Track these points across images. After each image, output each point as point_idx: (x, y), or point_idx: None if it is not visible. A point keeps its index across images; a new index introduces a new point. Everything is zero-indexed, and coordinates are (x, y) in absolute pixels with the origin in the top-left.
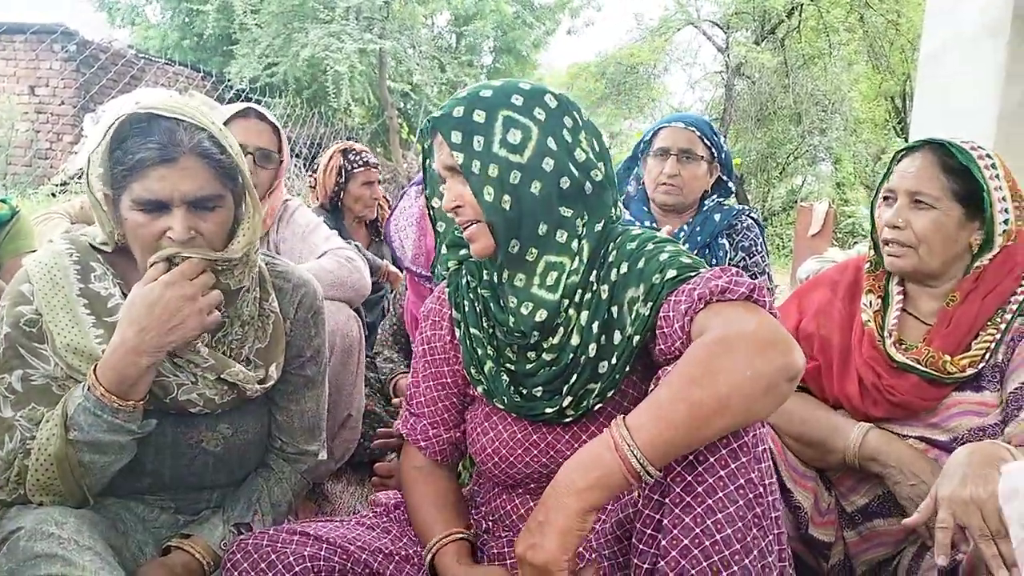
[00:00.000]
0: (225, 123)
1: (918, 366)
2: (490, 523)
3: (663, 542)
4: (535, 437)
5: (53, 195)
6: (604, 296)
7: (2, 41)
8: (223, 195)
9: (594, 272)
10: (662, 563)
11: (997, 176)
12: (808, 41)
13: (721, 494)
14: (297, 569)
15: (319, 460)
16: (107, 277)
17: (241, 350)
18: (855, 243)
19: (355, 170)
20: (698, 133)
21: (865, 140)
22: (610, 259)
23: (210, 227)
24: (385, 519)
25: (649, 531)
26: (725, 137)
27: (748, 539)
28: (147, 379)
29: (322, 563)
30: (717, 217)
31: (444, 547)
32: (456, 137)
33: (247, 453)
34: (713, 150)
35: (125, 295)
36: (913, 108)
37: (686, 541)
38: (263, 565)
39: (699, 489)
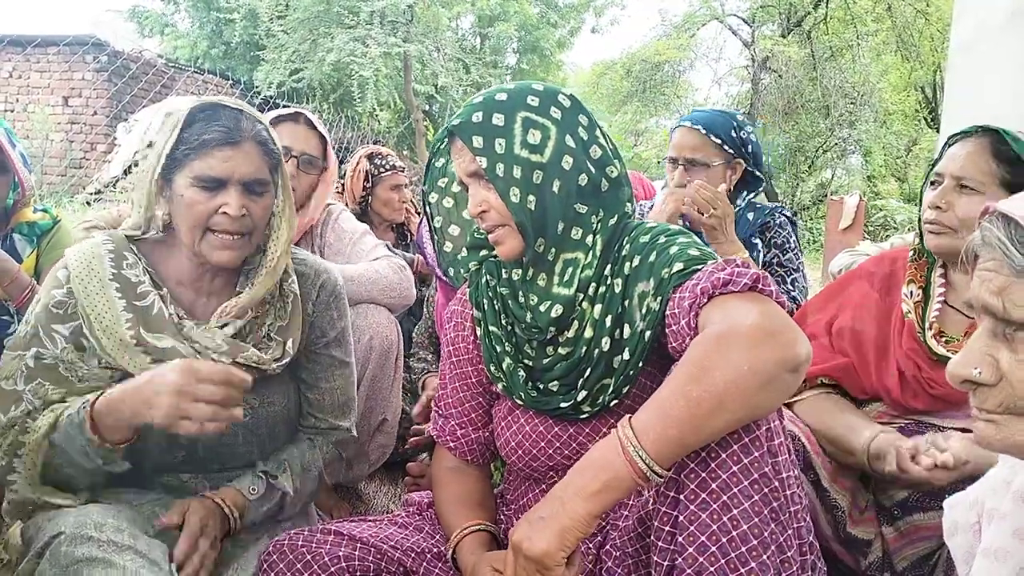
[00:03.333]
0: (274, 122)
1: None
2: (519, 519)
3: (680, 539)
4: (556, 430)
5: (88, 204)
6: (617, 290)
7: (36, 53)
8: (270, 183)
9: (608, 266)
10: (680, 560)
11: None
12: (835, 33)
13: (735, 490)
14: (332, 569)
15: (351, 436)
16: (138, 265)
17: (261, 329)
18: (887, 236)
19: (382, 174)
20: (706, 133)
21: (896, 131)
22: (624, 252)
23: (257, 211)
24: (418, 518)
25: (667, 528)
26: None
27: (765, 534)
28: (124, 433)
29: (356, 563)
30: (751, 216)
31: (463, 539)
32: (477, 142)
33: (276, 426)
34: (729, 148)
35: (155, 282)
36: (945, 98)
37: (703, 538)
38: (299, 565)
39: (713, 486)
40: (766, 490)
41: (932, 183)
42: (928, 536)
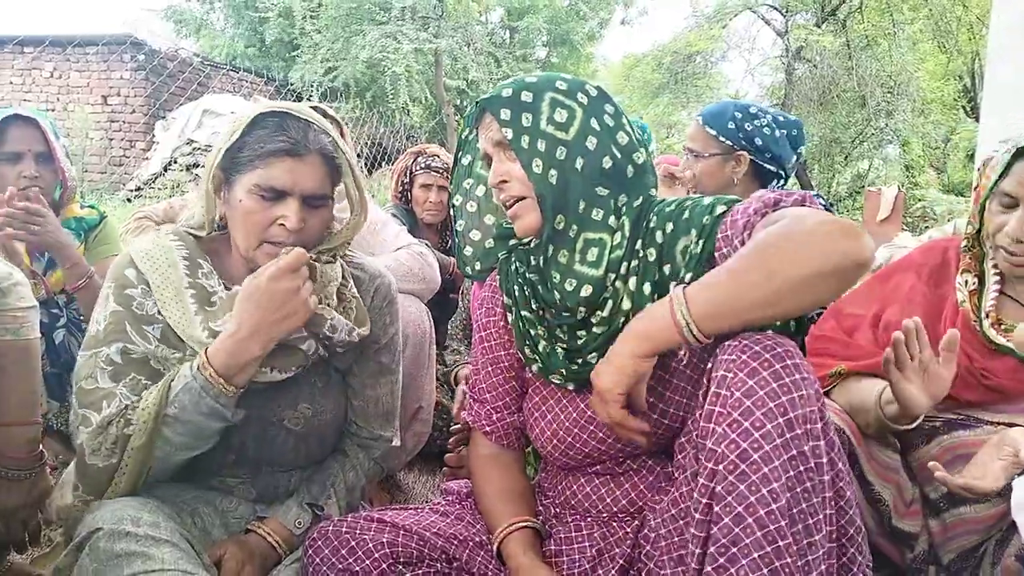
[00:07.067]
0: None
1: (1017, 350)
2: (558, 509)
3: (716, 508)
4: (590, 414)
5: (128, 200)
6: (652, 258)
7: (75, 54)
8: (329, 196)
9: (639, 241)
10: (715, 530)
11: None
12: (871, 21)
13: (776, 463)
14: (376, 555)
15: (392, 446)
16: (213, 276)
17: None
18: (926, 227)
19: (417, 172)
20: (703, 124)
21: (934, 121)
22: (651, 225)
23: (315, 223)
24: (459, 507)
25: (705, 500)
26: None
27: (794, 511)
28: (252, 369)
29: (400, 549)
30: None
31: (510, 535)
32: (505, 114)
33: (325, 434)
34: (725, 140)
35: (224, 286)
36: (984, 86)
37: (739, 509)
38: (343, 551)
39: (755, 456)
40: (801, 468)
41: (1005, 206)
42: (975, 529)
